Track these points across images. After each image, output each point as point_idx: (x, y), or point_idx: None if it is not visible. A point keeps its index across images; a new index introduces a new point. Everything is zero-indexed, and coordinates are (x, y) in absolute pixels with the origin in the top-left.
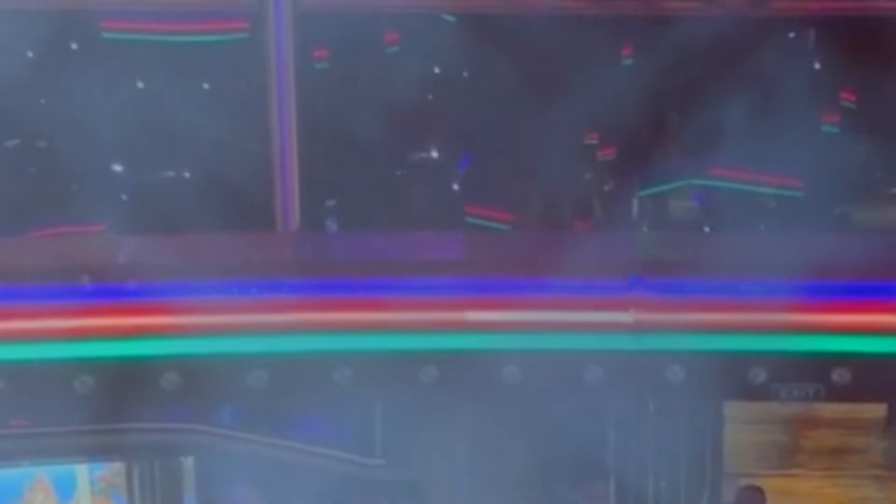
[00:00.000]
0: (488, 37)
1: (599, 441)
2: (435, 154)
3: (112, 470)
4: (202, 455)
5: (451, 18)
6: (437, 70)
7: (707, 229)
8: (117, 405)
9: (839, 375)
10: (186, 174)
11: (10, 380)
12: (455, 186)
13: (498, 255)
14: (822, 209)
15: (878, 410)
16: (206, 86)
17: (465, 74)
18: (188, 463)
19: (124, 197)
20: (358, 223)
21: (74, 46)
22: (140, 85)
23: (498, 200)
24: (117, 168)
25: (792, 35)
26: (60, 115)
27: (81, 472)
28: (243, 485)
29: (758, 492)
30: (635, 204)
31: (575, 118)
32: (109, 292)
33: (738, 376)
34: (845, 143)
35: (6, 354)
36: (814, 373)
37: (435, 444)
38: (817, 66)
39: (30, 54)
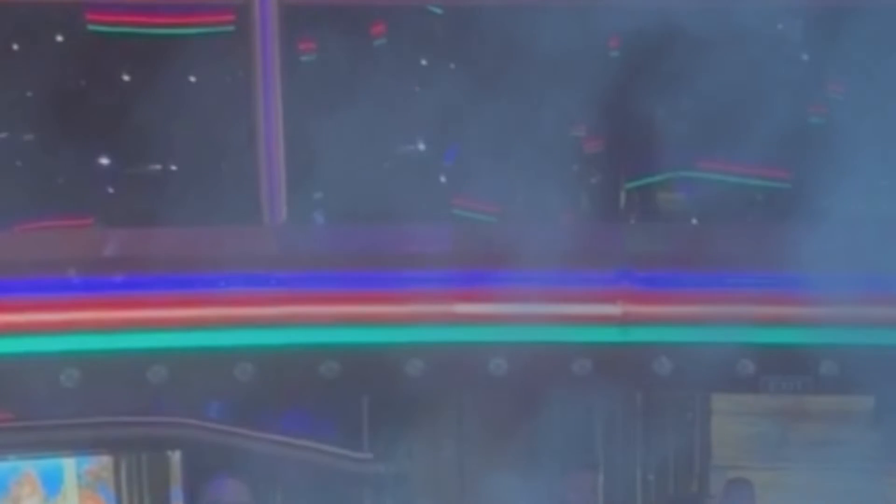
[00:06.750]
0: (475, 29)
1: (587, 433)
2: (422, 146)
3: (99, 464)
4: (189, 449)
5: (437, 10)
6: (423, 62)
7: (695, 221)
8: (104, 399)
9: (827, 368)
10: (172, 167)
11: None
12: (442, 179)
13: (485, 247)
14: (810, 201)
15: (867, 403)
16: (192, 78)
17: (452, 66)
18: (175, 457)
19: (110, 190)
20: (345, 216)
21: (60, 39)
22: (126, 78)
23: (485, 193)
24: (103, 161)
25: (780, 26)
26: (46, 109)
27: (69, 465)
28: (230, 478)
29: (746, 484)
30: (623, 196)
31: (562, 110)
32: (95, 285)
33: (726, 368)
34: (833, 134)
35: None
36: (802, 365)
37: (422, 437)
38: (806, 57)
39: (15, 47)
